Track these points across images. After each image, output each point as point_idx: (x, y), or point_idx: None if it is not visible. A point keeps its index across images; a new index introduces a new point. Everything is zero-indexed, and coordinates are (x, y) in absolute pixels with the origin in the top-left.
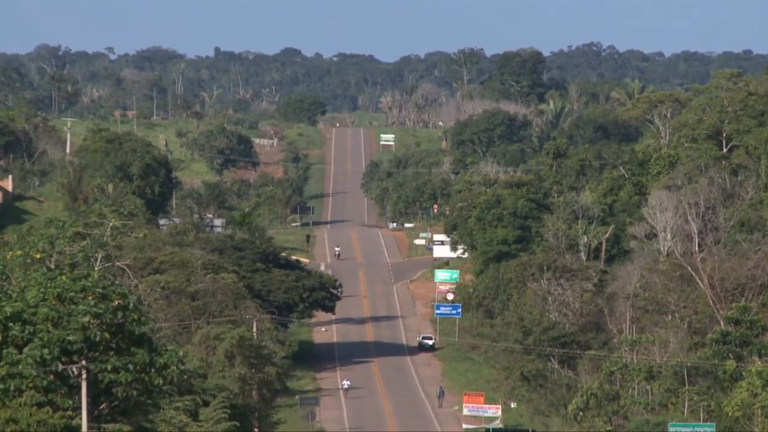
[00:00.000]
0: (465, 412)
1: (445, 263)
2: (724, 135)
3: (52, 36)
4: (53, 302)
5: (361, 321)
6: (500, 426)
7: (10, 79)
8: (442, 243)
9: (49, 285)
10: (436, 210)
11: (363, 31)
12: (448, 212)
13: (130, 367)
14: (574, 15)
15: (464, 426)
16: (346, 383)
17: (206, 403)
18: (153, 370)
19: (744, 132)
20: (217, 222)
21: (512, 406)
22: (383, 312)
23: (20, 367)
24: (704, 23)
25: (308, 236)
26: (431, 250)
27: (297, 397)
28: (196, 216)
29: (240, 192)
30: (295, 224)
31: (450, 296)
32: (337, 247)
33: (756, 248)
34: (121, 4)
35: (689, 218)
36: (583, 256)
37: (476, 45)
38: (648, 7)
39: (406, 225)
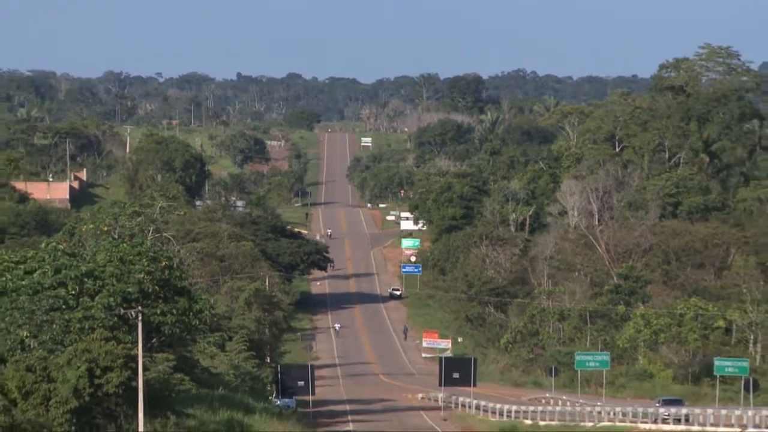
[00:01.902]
0: (424, 344)
1: (409, 234)
2: (617, 138)
3: (117, 63)
4: (117, 263)
5: (347, 277)
6: (450, 355)
7: (84, 97)
8: (407, 219)
9: (113, 250)
10: (402, 194)
11: (349, 60)
12: (411, 196)
13: (174, 311)
14: (506, 47)
15: (423, 355)
16: (337, 325)
17: (231, 338)
18: (191, 313)
19: (632, 136)
20: (239, 203)
21: (459, 340)
22: (363, 270)
23: (93, 311)
24: (603, 52)
25: (307, 214)
26: (399, 224)
27: (298, 333)
28: (223, 199)
29: (256, 181)
30: (297, 204)
31: (413, 258)
32: (329, 229)
33: (640, 223)
34: (168, 40)
35: (591, 200)
36: (512, 228)
37: (433, 70)
38: (560, 40)
39: (380, 205)
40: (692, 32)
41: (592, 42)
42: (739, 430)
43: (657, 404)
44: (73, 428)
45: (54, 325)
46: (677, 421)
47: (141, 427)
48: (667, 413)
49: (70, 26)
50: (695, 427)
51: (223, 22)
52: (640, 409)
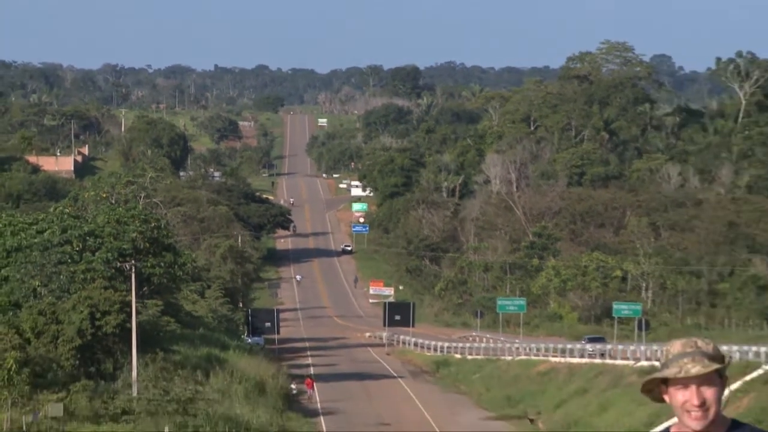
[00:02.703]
0: (371, 292)
1: (358, 199)
2: (531, 119)
3: (113, 56)
4: (114, 224)
5: (306, 236)
6: (392, 300)
7: (86, 85)
8: (357, 186)
9: (111, 213)
10: (353, 166)
11: (308, 53)
12: (360, 167)
13: (162, 264)
14: (439, 41)
15: (370, 301)
16: (298, 277)
17: (209, 287)
18: (176, 266)
19: (544, 117)
20: (216, 174)
21: (400, 288)
22: (320, 230)
23: (94, 264)
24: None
25: (273, 183)
26: (350, 191)
27: (266, 283)
28: (203, 170)
29: (230, 155)
30: (264, 175)
31: (361, 220)
32: (292, 198)
33: (551, 189)
34: (157, 36)
35: (510, 170)
36: (444, 194)
37: (378, 62)
38: (484, 35)
39: (334, 175)
40: (595, 28)
41: (512, 37)
42: (633, 362)
43: (584, 341)
44: (77, 362)
45: (61, 276)
46: (602, 355)
47: (134, 362)
48: (592, 349)
49: (75, 24)
50: (609, 360)
51: (203, 21)
52: (569, 346)
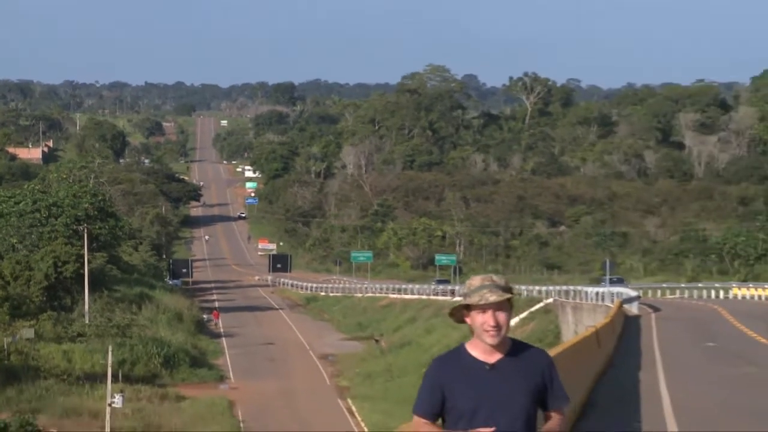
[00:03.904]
0: (259, 246)
1: (250, 179)
2: (376, 121)
3: (71, 74)
4: (71, 197)
5: (212, 206)
6: (275, 253)
7: (50, 96)
8: (249, 170)
9: (69, 189)
10: (246, 155)
11: (214, 71)
12: (251, 156)
13: (106, 227)
14: (310, 61)
15: (259, 253)
16: (206, 237)
17: (141, 243)
18: (117, 228)
19: (385, 119)
20: (146, 161)
21: (281, 244)
22: (222, 202)
23: (57, 227)
24: (369, 65)
25: (188, 167)
26: (244, 173)
27: (183, 240)
28: (136, 158)
29: (156, 147)
30: (182, 161)
31: (252, 194)
32: (201, 182)
33: (390, 173)
34: (103, 56)
35: (360, 159)
36: (312, 176)
37: (264, 79)
38: (342, 56)
39: (232, 162)
40: (422, 53)
41: (362, 59)
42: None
43: (433, 283)
44: (44, 298)
45: (32, 236)
46: (444, 293)
47: (86, 298)
48: (439, 288)
49: (43, 48)
50: (440, 297)
51: (138, 44)
52: (403, 286)
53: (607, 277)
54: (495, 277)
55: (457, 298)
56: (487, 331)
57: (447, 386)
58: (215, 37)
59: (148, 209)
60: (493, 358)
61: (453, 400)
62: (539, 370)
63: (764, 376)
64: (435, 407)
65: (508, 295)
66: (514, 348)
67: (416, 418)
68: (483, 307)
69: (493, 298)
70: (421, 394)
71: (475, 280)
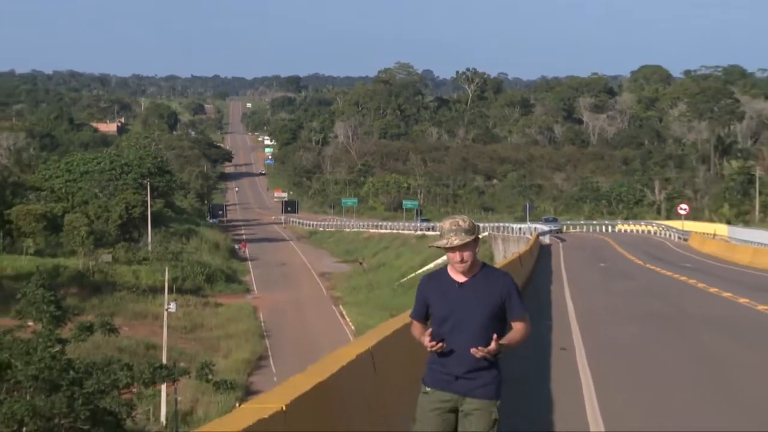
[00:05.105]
0: (275, 195)
1: (268, 146)
2: (360, 104)
3: (140, 68)
4: (138, 159)
5: (240, 165)
6: (286, 199)
7: (123, 86)
8: (268, 139)
9: (136, 153)
10: (265, 128)
11: (244, 65)
12: (269, 129)
13: (163, 180)
14: (309, 57)
15: (274, 200)
16: (236, 188)
17: (189, 192)
18: (171, 181)
19: (365, 103)
20: (193, 133)
21: (290, 193)
22: (247, 162)
23: (127, 180)
24: (354, 60)
25: (222, 137)
26: (264, 141)
27: (219, 190)
28: (186, 131)
29: (200, 122)
30: (218, 133)
31: (269, 157)
32: (232, 149)
33: (370, 141)
34: (165, 51)
35: (348, 131)
36: (313, 143)
37: (276, 72)
38: (331, 53)
39: (255, 133)
40: (395, 52)
41: (349, 54)
42: (420, 233)
43: (419, 221)
44: (119, 232)
45: (110, 187)
46: (428, 229)
47: (149, 232)
48: (423, 225)
49: (117, 46)
50: (430, 233)
51: (186, 42)
52: (379, 223)
53: (544, 217)
54: (461, 221)
55: (419, 232)
56: (457, 264)
57: (429, 298)
58: (243, 40)
59: (194, 168)
60: (463, 279)
61: (432, 308)
62: (499, 289)
63: (639, 287)
64: (422, 313)
65: (470, 238)
66: (483, 271)
67: (413, 321)
68: (451, 248)
69: (457, 242)
70: (415, 302)
71: (446, 224)
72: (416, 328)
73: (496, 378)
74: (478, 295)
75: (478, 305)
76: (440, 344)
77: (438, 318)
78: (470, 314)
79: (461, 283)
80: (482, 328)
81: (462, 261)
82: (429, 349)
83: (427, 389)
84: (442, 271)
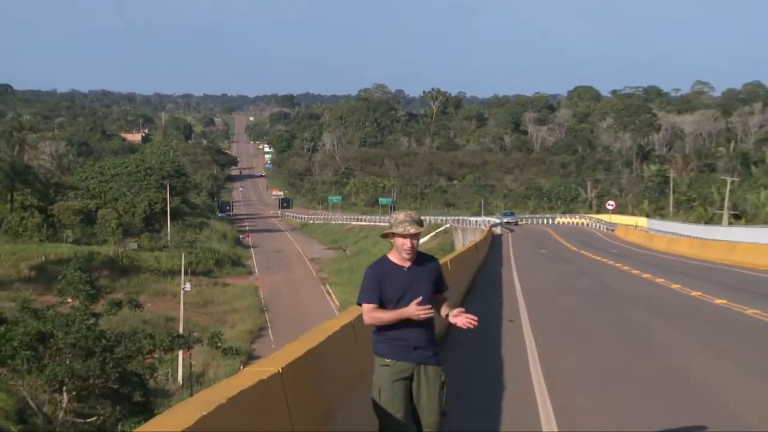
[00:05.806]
0: (273, 193)
1: (267, 153)
2: (343, 118)
3: (160, 87)
4: (159, 164)
5: (244, 169)
6: (283, 197)
7: (146, 103)
8: (268, 146)
9: (157, 158)
10: (265, 138)
11: (247, 85)
12: (268, 138)
13: (180, 181)
14: (307, 79)
15: (273, 197)
16: (241, 188)
17: (201, 191)
18: (186, 182)
19: (348, 117)
20: (204, 141)
21: (285, 192)
22: (250, 166)
23: (150, 181)
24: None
25: (229, 145)
26: (264, 149)
27: (227, 189)
28: (199, 140)
29: (211, 133)
30: (226, 142)
31: (268, 162)
32: (237, 155)
33: (353, 149)
34: (182, 72)
35: (334, 140)
36: (305, 150)
37: (274, 91)
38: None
39: (256, 142)
40: (372, 75)
41: (339, 75)
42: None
43: (413, 215)
44: (143, 224)
45: (135, 187)
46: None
47: (168, 224)
48: (411, 218)
49: (141, 69)
50: (381, 224)
51: (199, 65)
52: (360, 216)
53: (503, 211)
54: (413, 214)
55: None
56: (406, 250)
57: (383, 281)
58: (247, 64)
59: (205, 171)
60: (407, 264)
61: (385, 291)
62: (433, 270)
63: (574, 269)
64: (377, 296)
65: (421, 229)
66: (418, 257)
67: (364, 305)
68: (404, 236)
69: (413, 230)
70: (366, 289)
71: (400, 215)
72: (373, 311)
73: (437, 349)
74: (422, 277)
75: (423, 284)
76: (429, 308)
77: (390, 298)
78: (419, 292)
79: (408, 267)
80: (428, 302)
81: (412, 248)
82: (424, 314)
83: (387, 361)
84: (383, 259)
